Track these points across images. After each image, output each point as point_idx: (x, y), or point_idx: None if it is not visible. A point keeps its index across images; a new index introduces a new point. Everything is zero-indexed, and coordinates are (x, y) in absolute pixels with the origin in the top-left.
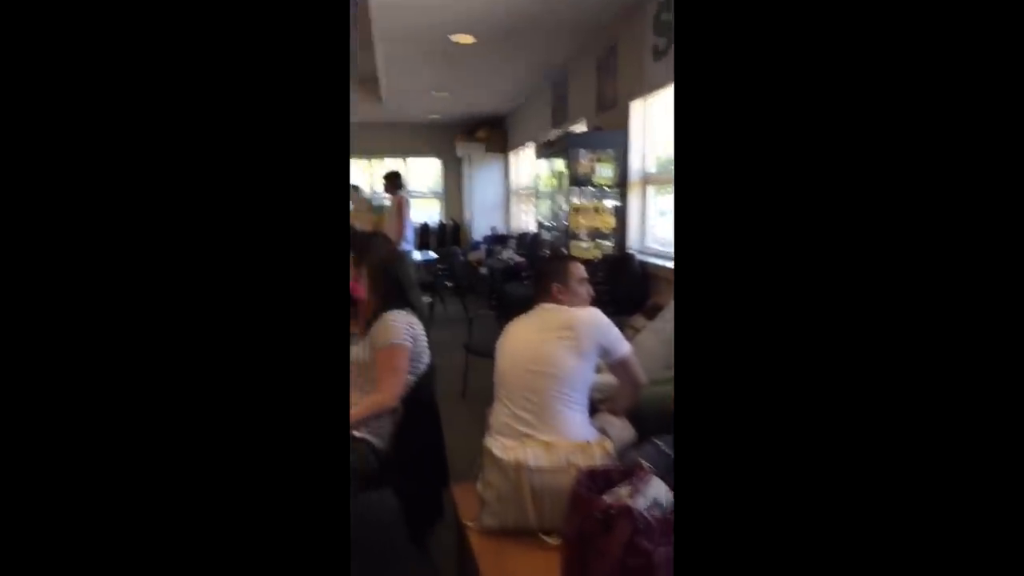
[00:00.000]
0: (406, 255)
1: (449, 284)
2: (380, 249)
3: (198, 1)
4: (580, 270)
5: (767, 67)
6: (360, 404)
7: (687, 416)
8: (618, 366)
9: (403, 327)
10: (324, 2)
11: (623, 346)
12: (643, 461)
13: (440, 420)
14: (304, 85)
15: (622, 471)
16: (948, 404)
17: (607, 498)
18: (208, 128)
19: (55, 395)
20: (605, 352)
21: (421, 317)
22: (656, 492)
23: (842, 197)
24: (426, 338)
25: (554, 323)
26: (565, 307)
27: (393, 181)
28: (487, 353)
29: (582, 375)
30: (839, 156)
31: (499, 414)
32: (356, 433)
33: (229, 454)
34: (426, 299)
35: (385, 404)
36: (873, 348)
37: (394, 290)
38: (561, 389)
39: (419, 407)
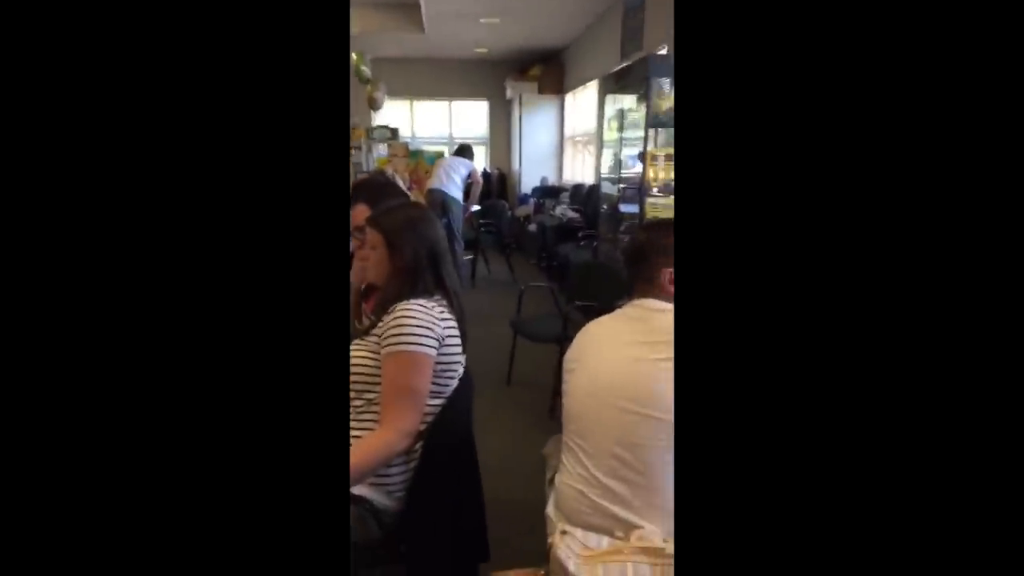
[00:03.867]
0: (435, 218)
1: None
2: (400, 206)
3: None
4: None
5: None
6: (356, 447)
7: (688, 412)
8: None
9: (426, 325)
10: None
11: None
12: None
13: (477, 467)
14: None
15: None
16: (950, 398)
17: None
18: (200, 114)
19: (52, 387)
20: None
21: (455, 304)
22: None
23: (853, 192)
24: (460, 341)
25: (667, 333)
26: None
27: (464, 154)
28: (538, 337)
29: None
30: (851, 148)
31: (569, 476)
32: (352, 490)
33: (224, 457)
34: (467, 257)
35: (393, 446)
36: (881, 349)
37: (418, 267)
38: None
39: (446, 447)
